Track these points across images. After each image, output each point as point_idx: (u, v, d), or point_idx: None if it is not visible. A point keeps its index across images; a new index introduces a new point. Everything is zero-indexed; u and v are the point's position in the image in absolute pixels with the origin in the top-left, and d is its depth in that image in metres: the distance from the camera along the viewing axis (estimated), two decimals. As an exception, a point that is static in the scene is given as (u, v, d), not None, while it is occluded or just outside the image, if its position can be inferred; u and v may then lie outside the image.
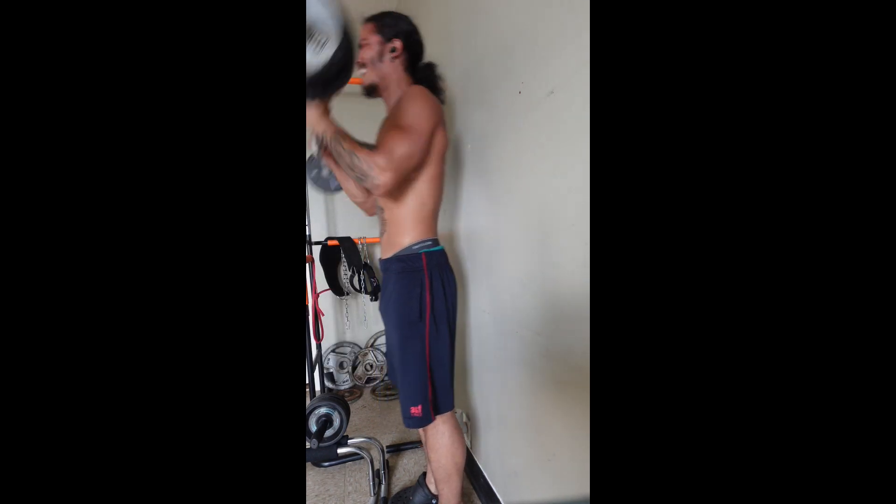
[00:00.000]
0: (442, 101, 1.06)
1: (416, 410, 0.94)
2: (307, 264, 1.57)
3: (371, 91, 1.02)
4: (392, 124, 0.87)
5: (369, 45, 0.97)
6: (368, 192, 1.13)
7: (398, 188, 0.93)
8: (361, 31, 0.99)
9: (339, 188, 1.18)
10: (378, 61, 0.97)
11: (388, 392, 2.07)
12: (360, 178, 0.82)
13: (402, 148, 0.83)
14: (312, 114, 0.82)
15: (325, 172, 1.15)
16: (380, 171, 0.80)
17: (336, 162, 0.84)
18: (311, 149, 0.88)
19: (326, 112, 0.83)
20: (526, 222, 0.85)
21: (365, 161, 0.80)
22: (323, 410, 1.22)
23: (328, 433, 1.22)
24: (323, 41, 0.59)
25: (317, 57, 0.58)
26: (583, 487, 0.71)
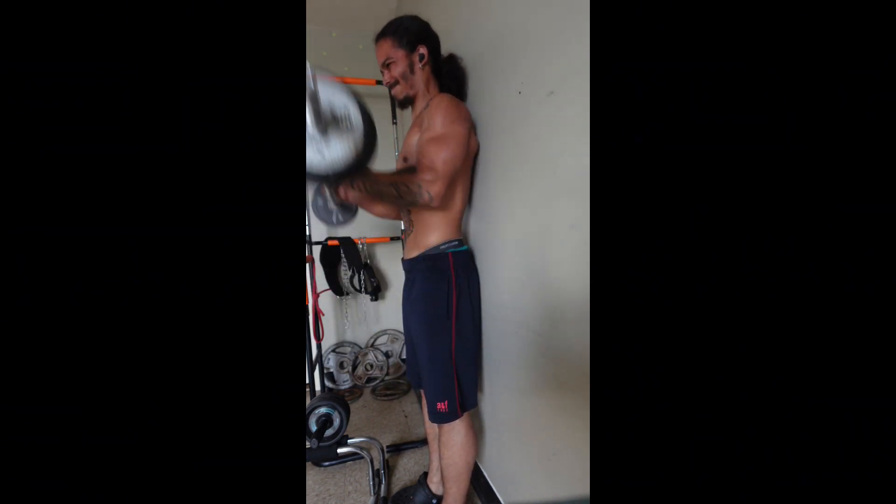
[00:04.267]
0: (465, 94, 1.06)
1: (442, 406, 0.96)
2: (307, 264, 1.57)
3: (406, 103, 1.02)
4: (428, 137, 0.88)
5: (396, 63, 0.96)
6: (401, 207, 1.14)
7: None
8: (380, 50, 0.97)
9: (343, 222, 1.19)
10: (410, 74, 0.97)
11: (388, 392, 2.07)
12: (413, 203, 0.85)
13: (442, 155, 0.84)
14: (341, 189, 0.84)
15: (330, 206, 1.16)
16: (429, 186, 0.83)
17: (374, 199, 0.86)
18: (322, 191, 0.90)
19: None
20: (527, 223, 0.85)
21: (412, 185, 0.82)
22: (323, 410, 1.22)
23: (328, 433, 1.22)
24: (347, 120, 0.57)
25: (356, 136, 0.56)
26: (583, 487, 0.71)
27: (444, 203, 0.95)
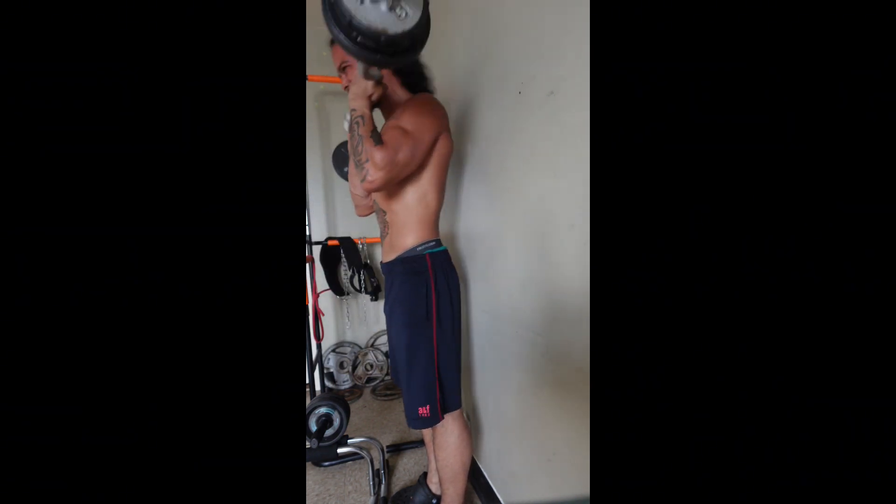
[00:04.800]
0: (431, 91, 1.04)
1: (423, 411, 0.94)
2: (307, 264, 1.57)
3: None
4: (397, 124, 0.86)
5: (351, 66, 0.94)
6: (366, 197, 1.13)
7: (392, 191, 0.94)
8: (336, 54, 0.96)
9: (343, 175, 1.17)
10: None
11: (388, 392, 2.07)
12: (357, 164, 0.82)
13: (402, 153, 0.82)
14: (359, 87, 0.82)
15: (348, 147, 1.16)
16: (374, 168, 0.80)
17: (351, 138, 0.84)
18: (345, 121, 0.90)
19: (369, 95, 0.83)
20: (526, 222, 0.85)
21: (367, 152, 0.80)
22: (323, 410, 1.22)
23: (328, 433, 1.22)
24: (405, 11, 0.56)
25: (397, 25, 0.56)
26: (583, 487, 0.71)
27: (411, 200, 0.93)
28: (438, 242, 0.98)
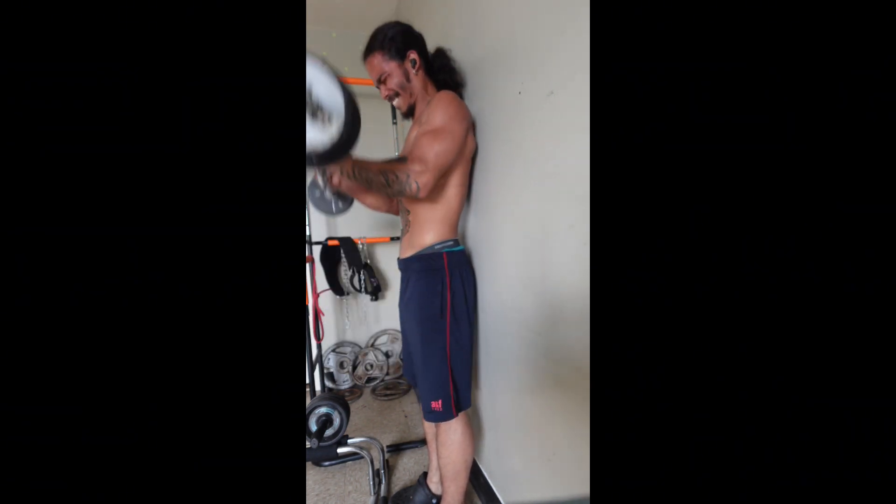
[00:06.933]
0: (459, 83, 1.05)
1: (436, 405, 0.96)
2: (307, 264, 1.57)
3: (410, 113, 1.02)
4: (423, 131, 0.88)
5: (391, 75, 0.95)
6: (391, 199, 1.15)
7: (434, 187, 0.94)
8: (372, 67, 0.97)
9: (342, 210, 1.19)
10: (407, 83, 0.97)
11: (388, 392, 2.07)
12: (400, 192, 0.84)
13: (435, 148, 0.84)
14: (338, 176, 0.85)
15: (327, 195, 1.17)
16: (417, 176, 0.82)
17: (363, 187, 0.86)
18: (317, 181, 0.90)
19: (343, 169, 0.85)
20: (526, 222, 0.85)
21: (401, 173, 0.82)
22: (323, 410, 1.22)
23: (328, 433, 1.22)
24: (328, 118, 0.58)
25: (323, 134, 0.59)
26: (583, 487, 0.71)
27: (436, 199, 0.95)
28: (457, 242, 1.00)
